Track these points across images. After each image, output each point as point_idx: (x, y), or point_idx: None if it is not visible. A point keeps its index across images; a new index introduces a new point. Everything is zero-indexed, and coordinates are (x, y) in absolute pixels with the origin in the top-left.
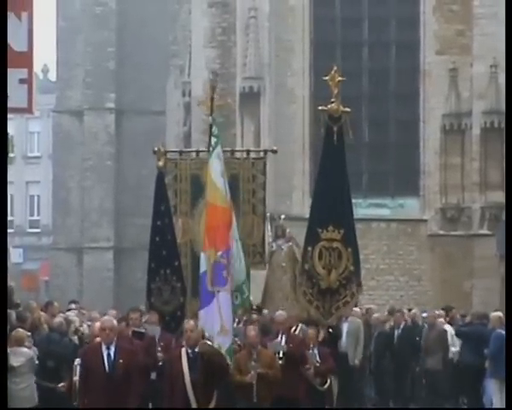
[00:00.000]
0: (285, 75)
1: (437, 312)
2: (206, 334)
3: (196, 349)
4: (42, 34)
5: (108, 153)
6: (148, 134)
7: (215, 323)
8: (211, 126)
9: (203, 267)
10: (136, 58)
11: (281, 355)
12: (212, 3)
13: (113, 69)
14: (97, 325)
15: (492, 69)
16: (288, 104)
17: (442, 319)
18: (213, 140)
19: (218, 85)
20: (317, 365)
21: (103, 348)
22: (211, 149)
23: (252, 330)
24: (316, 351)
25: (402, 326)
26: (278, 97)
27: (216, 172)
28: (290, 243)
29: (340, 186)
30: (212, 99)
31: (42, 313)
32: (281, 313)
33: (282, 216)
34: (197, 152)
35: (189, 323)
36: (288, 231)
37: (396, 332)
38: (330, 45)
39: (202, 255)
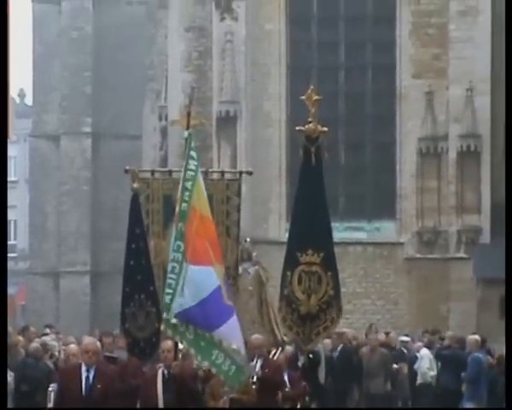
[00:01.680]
0: (261, 99)
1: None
2: (234, 346)
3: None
4: (18, 58)
5: (85, 177)
6: (124, 158)
7: (239, 336)
8: (186, 140)
9: (216, 282)
10: (113, 82)
11: (254, 380)
12: (189, 28)
13: (89, 93)
14: (73, 346)
15: (468, 93)
16: (265, 128)
17: (420, 343)
18: (193, 154)
19: (195, 109)
20: (286, 390)
21: (83, 369)
22: (192, 164)
23: None
24: (285, 376)
25: (339, 348)
26: (255, 121)
27: (203, 186)
28: (257, 267)
29: (318, 208)
30: (188, 114)
31: (19, 338)
32: (256, 337)
33: (248, 239)
34: (170, 172)
35: (166, 343)
36: (254, 254)
37: (334, 354)
38: (307, 69)
39: (212, 270)
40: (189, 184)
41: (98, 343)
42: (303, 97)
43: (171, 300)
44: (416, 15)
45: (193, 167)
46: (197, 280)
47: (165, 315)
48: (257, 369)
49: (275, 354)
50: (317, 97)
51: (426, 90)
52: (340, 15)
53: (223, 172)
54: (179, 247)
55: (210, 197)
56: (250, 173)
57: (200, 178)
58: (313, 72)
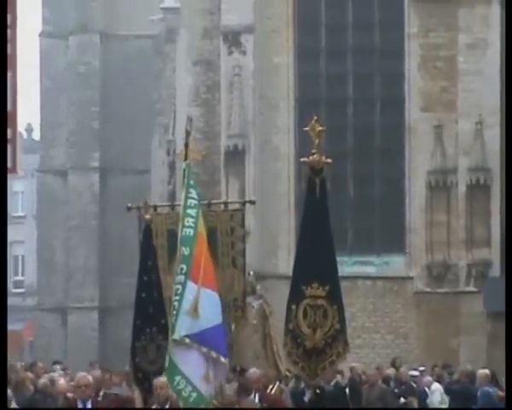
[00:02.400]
0: (270, 133)
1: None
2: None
3: (167, 406)
4: (26, 93)
5: (93, 212)
6: (132, 193)
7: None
8: (184, 172)
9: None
10: (121, 117)
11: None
12: (197, 61)
13: (97, 128)
14: (61, 381)
15: (477, 126)
16: (273, 162)
17: (429, 377)
18: (192, 183)
19: (203, 143)
20: None
21: (79, 404)
22: (193, 193)
23: (228, 390)
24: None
25: (333, 383)
26: (263, 155)
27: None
28: (260, 301)
29: (323, 240)
30: (186, 145)
31: (27, 374)
32: (254, 371)
33: (251, 272)
34: (172, 206)
35: (158, 380)
36: (258, 287)
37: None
38: (315, 102)
39: (217, 299)
40: (193, 212)
41: (90, 377)
42: (306, 128)
43: (176, 320)
44: (424, 48)
45: (195, 196)
46: (213, 304)
47: (170, 336)
48: (256, 402)
49: (272, 388)
50: (320, 128)
51: (435, 123)
52: (348, 48)
53: (226, 203)
54: (182, 269)
55: (214, 229)
56: (253, 203)
57: (199, 212)
58: (321, 105)
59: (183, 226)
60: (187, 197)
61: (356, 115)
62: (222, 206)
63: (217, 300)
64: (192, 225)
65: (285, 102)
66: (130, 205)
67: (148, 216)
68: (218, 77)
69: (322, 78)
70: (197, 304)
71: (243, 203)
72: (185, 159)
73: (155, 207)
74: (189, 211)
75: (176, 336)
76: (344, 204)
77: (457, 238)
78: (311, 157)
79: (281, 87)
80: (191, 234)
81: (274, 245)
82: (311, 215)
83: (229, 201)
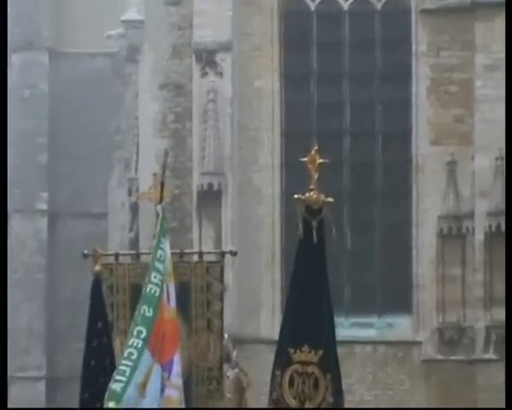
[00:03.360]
0: (251, 170)
1: None
2: None
3: None
4: None
5: (39, 264)
6: (86, 241)
7: None
8: (157, 216)
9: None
10: (73, 150)
11: None
12: (164, 85)
13: (45, 164)
14: None
15: (498, 162)
16: (255, 205)
17: None
18: (162, 238)
19: (171, 182)
20: None
21: None
22: (162, 251)
23: None
24: None
25: None
26: (243, 197)
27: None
28: (236, 370)
29: (319, 296)
30: (162, 184)
31: None
32: None
33: (226, 335)
34: (137, 255)
35: None
36: (234, 354)
37: None
38: (305, 135)
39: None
40: (160, 266)
41: None
42: (304, 159)
43: (124, 389)
44: (435, 70)
45: (165, 247)
46: (158, 387)
47: (111, 405)
48: None
49: None
50: (321, 161)
51: (447, 159)
52: (344, 71)
53: (201, 254)
54: (140, 333)
55: (187, 285)
56: (234, 254)
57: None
58: (312, 138)
59: (149, 282)
60: (158, 247)
61: (353, 150)
62: (196, 256)
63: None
64: (159, 282)
65: (269, 135)
66: (86, 252)
67: (97, 267)
68: (189, 103)
69: (313, 106)
70: (147, 380)
71: (222, 254)
72: (160, 200)
73: (116, 256)
74: (157, 265)
75: (119, 405)
76: (339, 255)
77: (474, 296)
78: (307, 194)
79: (264, 116)
80: (157, 294)
81: (255, 304)
82: (304, 265)
83: (206, 251)
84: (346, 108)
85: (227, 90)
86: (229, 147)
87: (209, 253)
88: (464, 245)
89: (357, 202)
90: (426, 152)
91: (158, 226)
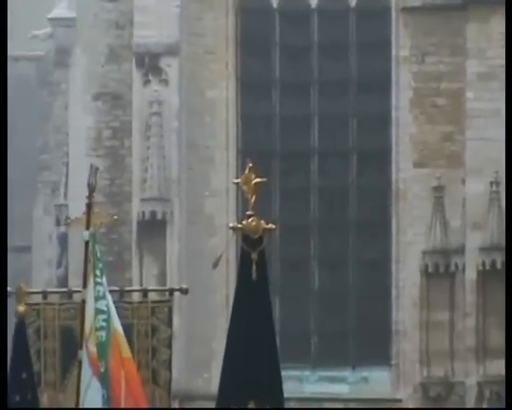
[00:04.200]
0: (202, 196)
1: None
2: None
3: None
4: None
5: None
6: (8, 278)
7: None
8: (87, 244)
9: None
10: None
11: None
12: (99, 94)
13: None
14: None
15: (493, 187)
16: (207, 237)
17: None
18: (99, 263)
19: (107, 210)
20: None
21: None
22: (100, 286)
23: None
24: None
25: None
26: (192, 227)
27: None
28: None
29: (262, 342)
30: (89, 206)
31: None
32: None
33: None
34: (69, 293)
35: None
36: None
37: None
38: (266, 154)
39: None
40: (103, 304)
41: None
42: (237, 181)
43: None
44: (419, 79)
45: (103, 282)
46: None
47: None
48: None
49: None
50: (258, 180)
51: (433, 184)
52: (312, 80)
53: (145, 292)
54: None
55: (129, 328)
56: (185, 292)
57: (111, 304)
58: (274, 158)
59: (96, 329)
60: (95, 283)
61: (323, 173)
62: (139, 295)
63: None
64: (103, 324)
65: (223, 154)
66: (9, 290)
67: (21, 308)
68: (128, 117)
69: (275, 120)
70: None
71: (170, 292)
72: (87, 227)
73: (45, 294)
74: (98, 305)
75: None
76: (306, 297)
77: (464, 345)
78: (244, 222)
79: (217, 132)
80: (103, 339)
81: (206, 353)
82: (244, 307)
83: (151, 288)
84: (314, 123)
85: (174, 100)
86: (176, 168)
87: (155, 290)
88: (453, 285)
89: (328, 234)
90: (408, 176)
91: (91, 258)
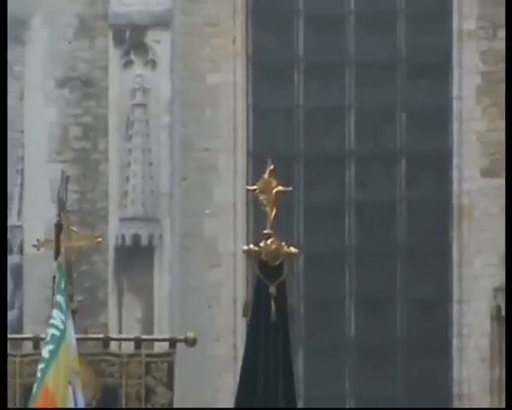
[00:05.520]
0: (200, 214)
1: None
2: None
3: None
4: None
5: None
6: None
7: None
8: (54, 280)
9: None
10: None
11: None
12: (65, 80)
13: None
14: None
15: None
16: (207, 268)
17: None
18: (60, 300)
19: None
20: None
21: None
22: (58, 318)
23: None
24: None
25: None
26: (188, 256)
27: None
28: None
29: (280, 407)
30: (59, 226)
31: None
32: None
33: None
34: (34, 340)
35: None
36: None
37: None
38: (285, 160)
39: None
40: (46, 351)
41: None
42: (252, 188)
43: None
44: (489, 60)
45: (58, 323)
46: None
47: None
48: None
49: None
50: (281, 188)
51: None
52: (347, 59)
53: (139, 341)
54: None
55: (115, 391)
56: (192, 342)
57: (72, 340)
58: (297, 165)
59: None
60: (50, 325)
61: (361, 184)
62: (130, 346)
63: None
64: (38, 375)
65: (229, 158)
66: None
67: None
68: (103, 109)
69: (298, 113)
70: None
71: (172, 343)
72: (56, 256)
73: None
74: (44, 351)
75: None
76: (339, 348)
77: None
78: (261, 244)
79: (222, 130)
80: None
81: None
82: (257, 358)
83: (145, 337)
84: (350, 118)
85: (164, 88)
86: (166, 178)
87: (151, 340)
88: None
89: (367, 264)
90: (475, 187)
91: (56, 298)
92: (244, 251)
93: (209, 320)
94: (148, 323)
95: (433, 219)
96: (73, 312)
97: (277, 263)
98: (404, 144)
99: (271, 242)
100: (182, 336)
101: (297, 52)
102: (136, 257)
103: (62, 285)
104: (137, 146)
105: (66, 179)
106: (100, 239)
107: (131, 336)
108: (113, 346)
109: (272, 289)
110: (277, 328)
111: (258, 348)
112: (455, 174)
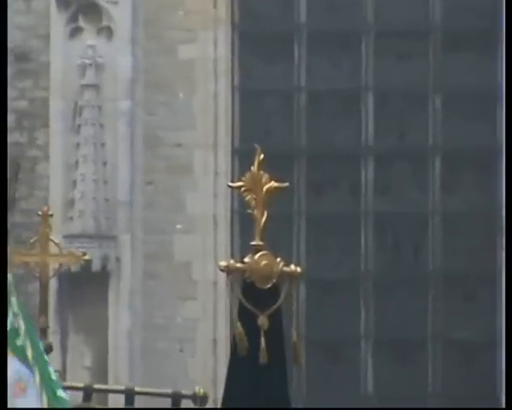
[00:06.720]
0: (171, 230)
1: None
2: None
3: None
4: None
5: None
6: None
7: None
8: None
9: None
10: None
11: None
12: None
13: None
14: None
15: None
16: (178, 300)
17: None
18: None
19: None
20: None
21: None
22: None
23: None
24: None
25: None
26: (153, 284)
27: None
28: None
29: None
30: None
31: None
32: None
33: None
34: None
35: None
36: None
37: None
38: (283, 157)
39: None
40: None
41: None
42: (236, 185)
43: None
44: None
45: (20, 343)
46: None
47: None
48: None
49: None
50: (275, 184)
51: None
52: (363, 30)
53: (131, 394)
54: None
55: None
56: (204, 401)
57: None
58: (297, 162)
59: None
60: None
61: (381, 189)
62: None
63: None
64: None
65: (207, 155)
66: None
67: None
68: (44, 91)
69: (299, 97)
70: None
71: (175, 398)
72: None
73: None
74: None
75: None
76: (355, 403)
77: None
78: (248, 259)
79: (198, 119)
80: None
81: None
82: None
83: (139, 390)
84: (366, 102)
85: (122, 63)
86: (126, 182)
87: (147, 394)
88: None
89: (392, 294)
90: None
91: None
92: (222, 268)
93: (181, 368)
94: (100, 372)
95: (477, 235)
96: (47, 350)
97: (269, 286)
98: (439, 138)
99: (261, 256)
100: (189, 392)
101: (298, 18)
102: (84, 286)
103: (15, 307)
104: (88, 140)
105: (16, 170)
106: (87, 256)
107: (120, 387)
108: None
109: (262, 321)
110: (269, 375)
111: (240, 403)
112: (503, 178)
